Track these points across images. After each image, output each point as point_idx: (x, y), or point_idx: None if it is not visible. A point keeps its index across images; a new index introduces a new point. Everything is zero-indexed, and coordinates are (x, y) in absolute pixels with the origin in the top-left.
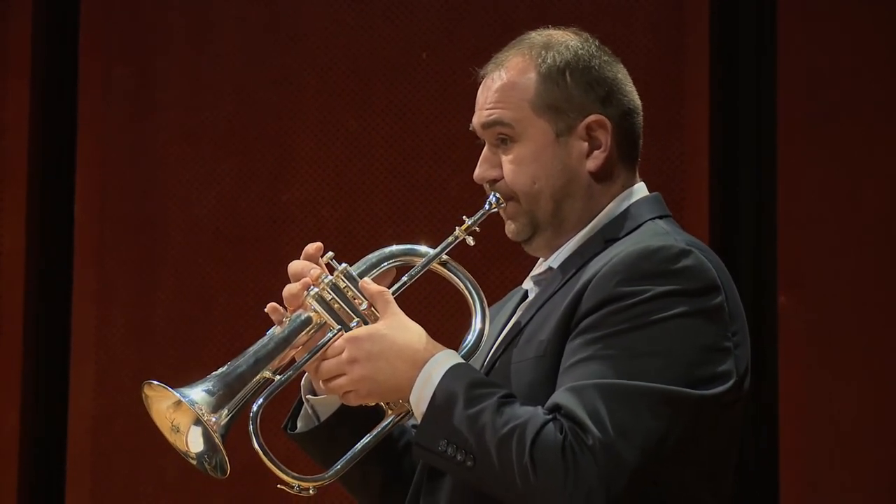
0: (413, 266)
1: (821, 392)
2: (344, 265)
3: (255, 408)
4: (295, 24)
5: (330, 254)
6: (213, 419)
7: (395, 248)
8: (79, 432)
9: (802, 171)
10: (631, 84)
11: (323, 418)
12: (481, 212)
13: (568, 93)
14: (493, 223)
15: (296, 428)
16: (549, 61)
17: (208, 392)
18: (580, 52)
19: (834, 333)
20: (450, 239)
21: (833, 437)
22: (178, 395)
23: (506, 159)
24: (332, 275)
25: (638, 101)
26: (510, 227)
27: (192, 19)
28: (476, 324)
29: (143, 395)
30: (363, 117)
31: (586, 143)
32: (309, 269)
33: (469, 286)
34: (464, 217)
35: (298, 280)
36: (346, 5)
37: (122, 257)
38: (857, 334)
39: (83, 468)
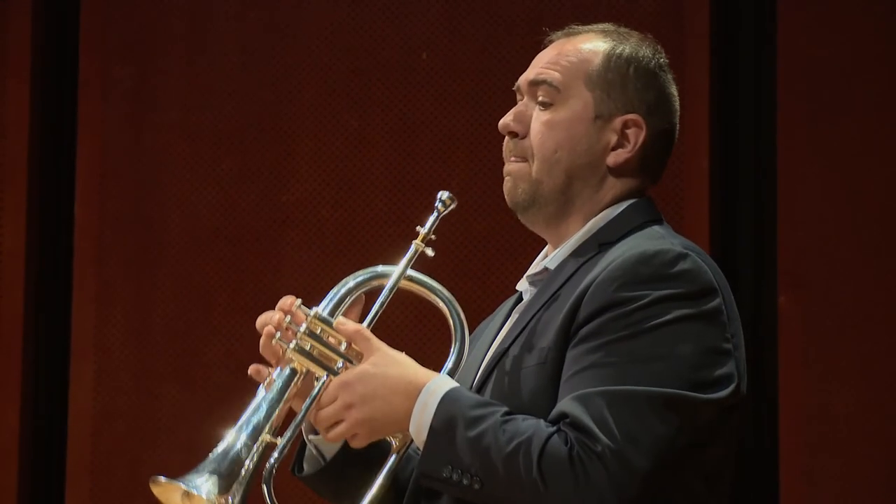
0: (381, 288)
1: (820, 392)
2: (314, 309)
3: (265, 474)
4: (294, 24)
5: (298, 301)
6: (227, 500)
7: (357, 278)
8: (79, 432)
9: (802, 171)
10: (678, 112)
11: (328, 456)
12: (432, 218)
13: (624, 83)
14: (495, 229)
15: (303, 469)
16: (619, 49)
17: (215, 473)
18: (650, 57)
19: (834, 333)
20: (409, 254)
21: (832, 436)
22: (188, 486)
23: (539, 120)
24: (305, 322)
25: (677, 130)
26: (510, 188)
27: (191, 19)
28: (457, 335)
29: (154, 493)
30: (363, 117)
31: (616, 137)
32: (270, 317)
33: (441, 296)
34: (417, 228)
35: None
36: (346, 5)
37: (122, 257)
38: (857, 334)
39: (83, 468)
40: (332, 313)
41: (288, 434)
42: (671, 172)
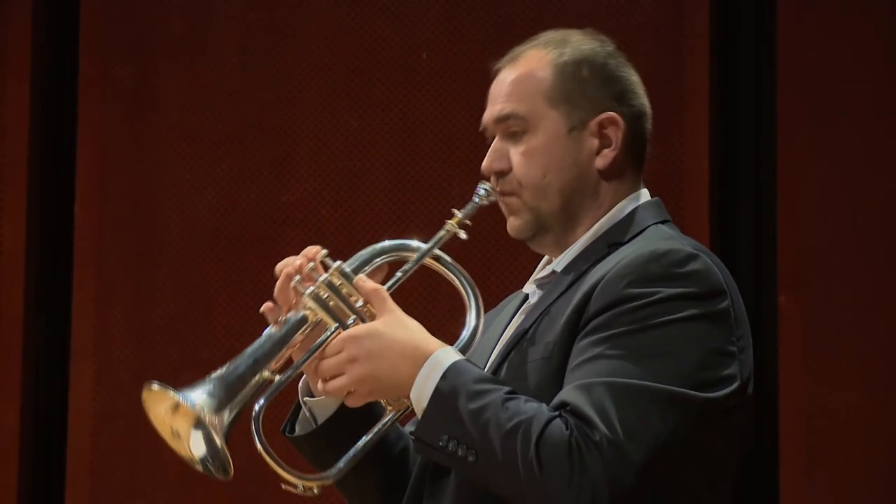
0: (406, 261)
1: (820, 392)
2: (338, 263)
3: (256, 409)
4: (295, 24)
5: (324, 251)
6: (216, 419)
7: (386, 243)
8: (79, 432)
9: (802, 171)
10: (643, 89)
11: (320, 420)
12: (471, 204)
13: (584, 86)
14: (495, 229)
15: (294, 431)
16: (566, 55)
17: (209, 393)
18: (597, 49)
19: (834, 334)
20: (441, 233)
21: (832, 436)
22: (179, 396)
23: (516, 151)
24: (326, 272)
25: (649, 107)
26: (512, 224)
27: (191, 19)
28: (471, 318)
29: (144, 399)
30: (363, 117)
31: (597, 140)
32: (292, 261)
33: (463, 280)
34: (454, 210)
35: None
36: (346, 5)
37: (122, 257)
38: (857, 334)
39: (83, 468)
40: (356, 272)
41: (288, 373)
42: (671, 172)
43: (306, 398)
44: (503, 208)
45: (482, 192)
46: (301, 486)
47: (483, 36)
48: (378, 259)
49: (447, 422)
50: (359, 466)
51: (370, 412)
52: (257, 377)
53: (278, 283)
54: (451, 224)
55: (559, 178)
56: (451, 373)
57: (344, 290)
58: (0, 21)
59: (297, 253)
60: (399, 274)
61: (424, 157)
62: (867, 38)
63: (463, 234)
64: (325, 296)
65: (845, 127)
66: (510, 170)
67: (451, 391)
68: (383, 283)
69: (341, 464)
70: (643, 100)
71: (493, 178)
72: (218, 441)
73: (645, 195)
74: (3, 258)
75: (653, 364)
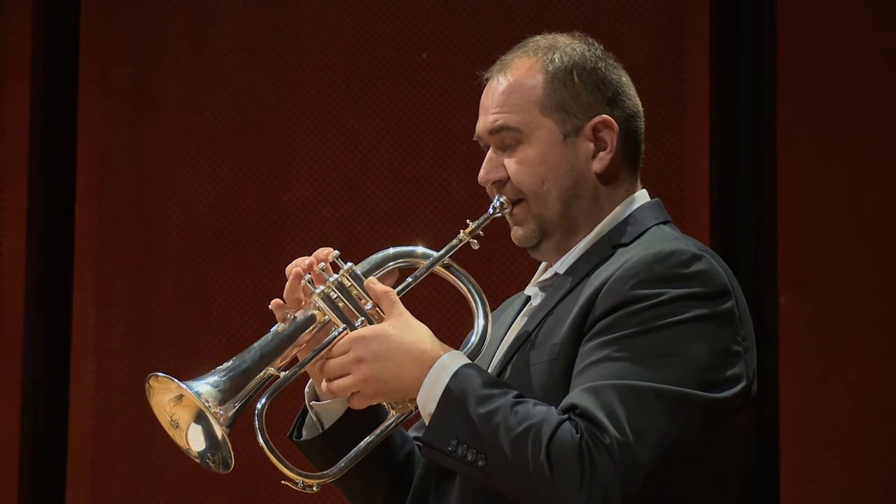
0: (416, 267)
1: (821, 392)
2: (349, 264)
3: (260, 405)
4: (295, 24)
5: (335, 252)
6: (220, 411)
7: (398, 249)
8: (79, 432)
9: (802, 171)
10: (633, 89)
11: (327, 425)
12: (485, 216)
13: (576, 92)
14: (496, 228)
15: (301, 436)
16: (556, 62)
17: (214, 385)
18: (587, 53)
19: (834, 334)
20: (454, 242)
21: (833, 436)
22: (185, 387)
23: (512, 161)
24: (336, 273)
25: (640, 106)
26: (517, 233)
27: (192, 19)
28: (479, 326)
29: (147, 387)
30: (363, 117)
31: (592, 145)
32: (302, 262)
33: (471, 289)
34: (468, 221)
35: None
36: (346, 5)
37: (122, 257)
38: (857, 334)
39: (83, 468)
40: (367, 275)
41: (293, 370)
42: (671, 172)
43: (313, 402)
44: (507, 218)
45: (497, 203)
46: (301, 483)
47: (483, 36)
48: (389, 264)
49: (456, 426)
50: (363, 469)
51: (376, 417)
52: (263, 373)
53: (288, 283)
54: (464, 234)
55: (557, 186)
56: (459, 377)
57: (353, 292)
58: (0, 21)
59: (297, 253)
60: (409, 279)
61: (424, 157)
62: (867, 38)
63: (475, 244)
64: (335, 296)
65: (845, 127)
66: (507, 178)
67: (460, 395)
68: (394, 288)
69: (342, 463)
70: (635, 100)
71: (489, 188)
72: (220, 433)
73: (644, 196)
74: (3, 258)
75: (660, 365)
